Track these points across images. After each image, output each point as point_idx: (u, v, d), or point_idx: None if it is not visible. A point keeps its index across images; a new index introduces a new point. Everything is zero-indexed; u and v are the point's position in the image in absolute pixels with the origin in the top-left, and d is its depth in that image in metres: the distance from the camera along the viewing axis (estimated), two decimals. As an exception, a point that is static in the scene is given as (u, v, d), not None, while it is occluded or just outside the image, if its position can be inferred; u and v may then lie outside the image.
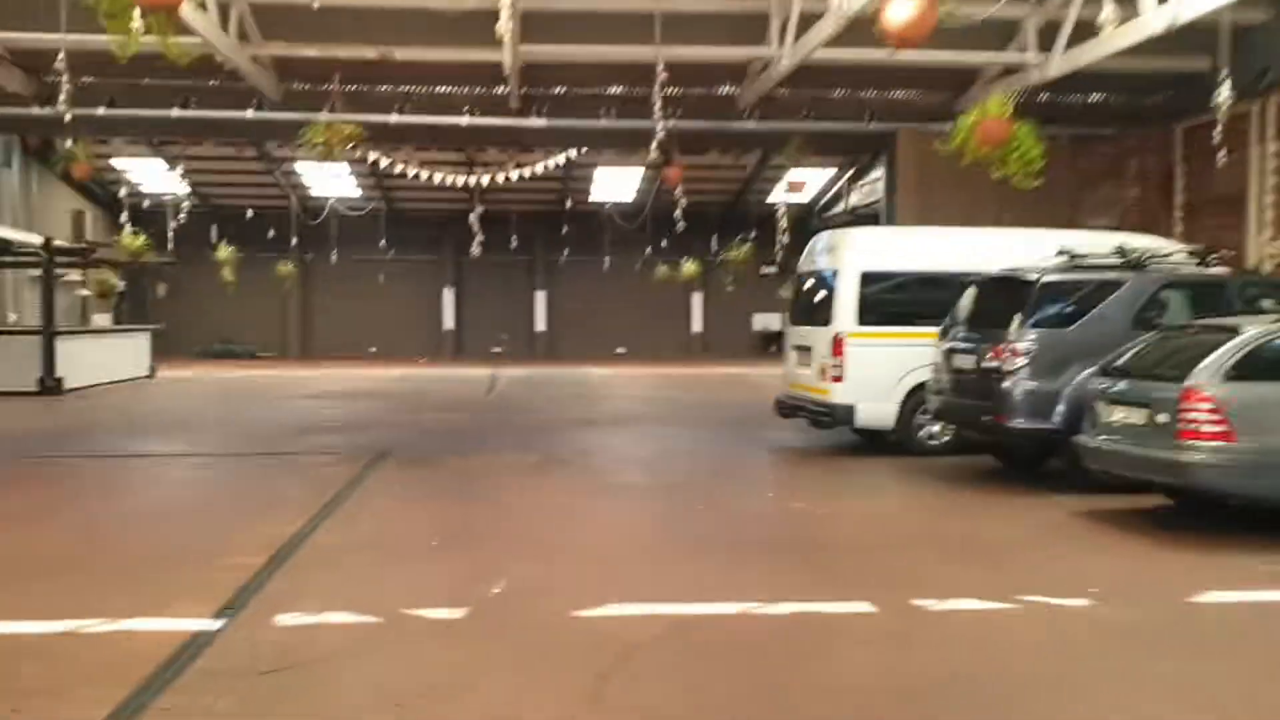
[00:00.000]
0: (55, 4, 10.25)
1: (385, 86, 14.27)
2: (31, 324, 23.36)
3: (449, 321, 35.72)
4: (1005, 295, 9.31)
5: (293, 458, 10.78)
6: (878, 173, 29.00)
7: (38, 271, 21.36)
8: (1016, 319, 8.90)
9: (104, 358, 20.77)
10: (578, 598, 5.55)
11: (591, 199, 32.92)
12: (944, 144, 10.87)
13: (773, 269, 26.22)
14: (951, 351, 9.70)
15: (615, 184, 32.14)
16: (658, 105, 11.75)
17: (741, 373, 26.26)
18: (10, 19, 12.04)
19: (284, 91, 13.92)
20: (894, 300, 10.99)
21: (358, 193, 32.46)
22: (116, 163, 29.25)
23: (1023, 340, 8.81)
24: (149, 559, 6.36)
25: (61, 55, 10.57)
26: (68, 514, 7.77)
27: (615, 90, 14.47)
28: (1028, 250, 10.09)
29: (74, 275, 24.36)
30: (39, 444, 12.03)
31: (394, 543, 6.84)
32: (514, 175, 25.36)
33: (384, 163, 24.87)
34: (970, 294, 9.89)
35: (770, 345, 36.13)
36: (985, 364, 9.03)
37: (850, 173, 31.00)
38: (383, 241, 32.39)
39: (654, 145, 12.01)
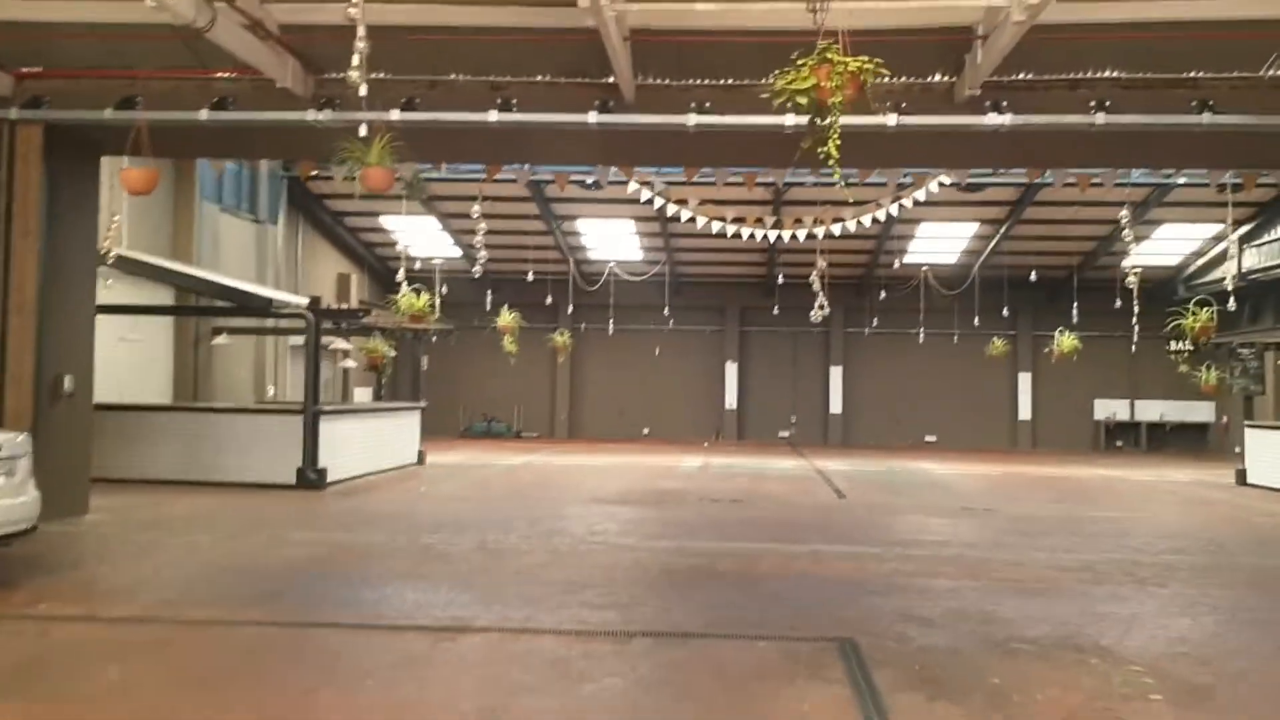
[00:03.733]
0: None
1: (767, 80, 10.03)
2: (291, 399, 20.52)
3: (731, 400, 31.45)
4: None
5: (694, 647, 6.40)
6: (1291, 226, 23.02)
7: (300, 339, 18.40)
8: None
9: (371, 441, 17.40)
10: None
11: (906, 261, 28.11)
12: None
13: (1184, 345, 20.55)
14: None
15: (937, 244, 27.26)
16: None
17: (1120, 475, 20.60)
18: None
19: (637, 88, 9.94)
20: None
21: (639, 254, 28.86)
22: (385, 221, 26.79)
23: None
24: None
25: (358, 11, 6.78)
26: None
27: (1109, 74, 9.74)
28: None
29: (339, 343, 21.43)
30: (294, 586, 8.17)
31: None
32: (835, 229, 21.15)
33: (683, 215, 21.30)
34: None
35: (1117, 439, 30.15)
36: None
37: (1241, 231, 25.00)
38: (666, 309, 28.61)
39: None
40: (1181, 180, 21.81)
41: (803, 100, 6.18)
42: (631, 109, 10.08)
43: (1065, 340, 22.42)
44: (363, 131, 8.08)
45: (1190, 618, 7.41)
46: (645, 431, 31.41)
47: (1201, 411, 29.80)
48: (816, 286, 19.32)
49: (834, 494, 15.89)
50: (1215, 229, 25.37)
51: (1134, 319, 24.68)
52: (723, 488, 16.51)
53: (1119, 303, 24.22)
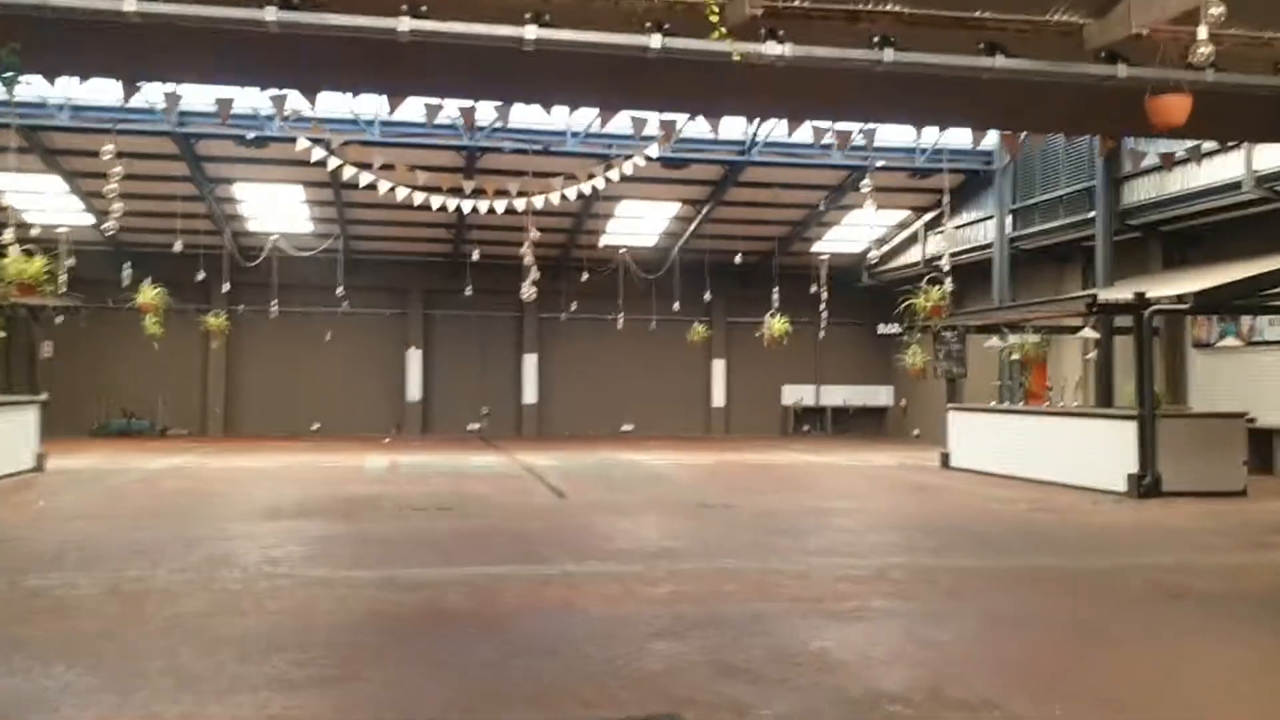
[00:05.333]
0: None
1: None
2: None
3: (414, 391, 28.91)
4: None
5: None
6: (976, 213, 23.63)
7: None
8: None
9: (-33, 445, 13.72)
10: None
11: (605, 242, 26.78)
12: None
13: (893, 328, 20.38)
14: None
15: (637, 224, 26.14)
16: None
17: (826, 461, 20.18)
18: None
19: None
20: None
21: (309, 226, 25.77)
22: (-7, 178, 22.16)
23: None
24: None
25: None
26: None
27: (890, 7, 8.46)
28: None
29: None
30: None
31: None
32: (538, 201, 19.34)
33: (363, 180, 18.90)
34: None
35: (803, 424, 30.40)
36: None
37: (926, 217, 25.52)
38: (339, 289, 25.66)
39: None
40: (880, 163, 21.78)
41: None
42: (325, 7, 7.68)
43: (776, 324, 21.77)
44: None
45: (1043, 642, 6.11)
46: (316, 427, 28.25)
47: (881, 396, 30.58)
48: (529, 259, 17.39)
49: (552, 494, 14.04)
50: (901, 215, 25.82)
51: (822, 305, 24.68)
52: (422, 492, 14.23)
53: (815, 288, 24.08)
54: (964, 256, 23.72)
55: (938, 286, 14.10)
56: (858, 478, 17.05)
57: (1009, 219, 21.80)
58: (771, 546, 9.40)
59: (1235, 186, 15.63)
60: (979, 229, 23.25)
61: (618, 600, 7.02)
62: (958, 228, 24.64)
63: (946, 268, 15.32)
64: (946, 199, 18.16)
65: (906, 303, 14.58)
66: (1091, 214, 19.03)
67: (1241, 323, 17.29)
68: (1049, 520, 11.59)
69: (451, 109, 21.12)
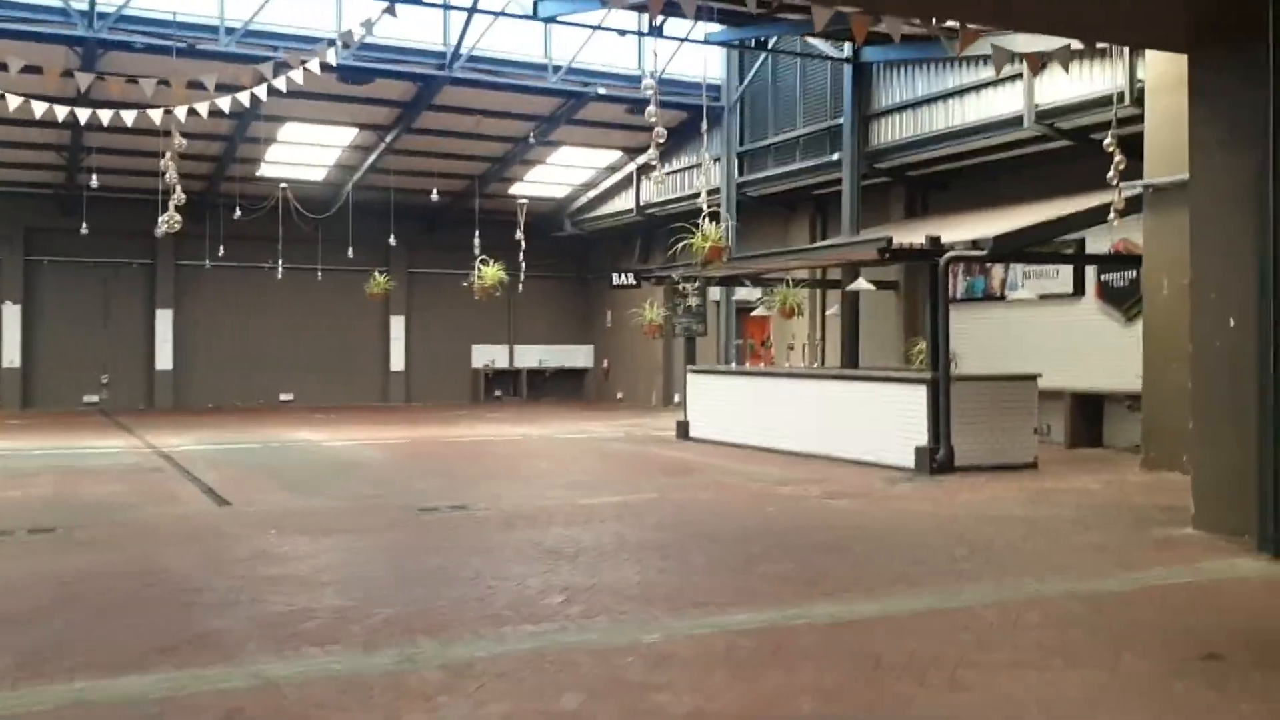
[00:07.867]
0: None
1: None
2: None
3: (12, 355, 23.14)
4: None
5: None
6: (694, 158, 21.41)
7: None
8: None
9: None
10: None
11: (261, 174, 22.33)
12: None
13: (627, 279, 17.68)
14: None
15: (303, 153, 21.96)
16: None
17: (542, 433, 17.28)
18: None
19: None
20: None
21: None
22: None
23: None
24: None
25: None
26: None
27: None
28: None
29: None
30: None
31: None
32: (180, 113, 14.95)
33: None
34: None
35: (495, 389, 27.39)
36: None
37: (641, 160, 23.04)
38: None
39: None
40: (600, 90, 19.06)
41: None
42: None
43: (490, 272, 18.33)
44: None
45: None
46: (-125, 402, 21.99)
47: (580, 356, 28.11)
48: (171, 174, 13.05)
49: (209, 498, 10.17)
50: (611, 157, 23.25)
51: (521, 255, 21.67)
52: (15, 500, 9.94)
53: (517, 235, 21.00)
54: (680, 205, 21.44)
55: (716, 224, 11.46)
56: (594, 456, 14.28)
57: (735, 163, 19.71)
58: (573, 590, 6.29)
59: (1012, 123, 14.10)
60: (696, 174, 21.05)
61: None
62: (670, 174, 22.41)
63: (706, 207, 12.69)
64: (705, 125, 15.57)
65: (681, 242, 11.87)
66: (835, 156, 17.20)
67: (992, 276, 16.03)
68: (870, 512, 9.23)
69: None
